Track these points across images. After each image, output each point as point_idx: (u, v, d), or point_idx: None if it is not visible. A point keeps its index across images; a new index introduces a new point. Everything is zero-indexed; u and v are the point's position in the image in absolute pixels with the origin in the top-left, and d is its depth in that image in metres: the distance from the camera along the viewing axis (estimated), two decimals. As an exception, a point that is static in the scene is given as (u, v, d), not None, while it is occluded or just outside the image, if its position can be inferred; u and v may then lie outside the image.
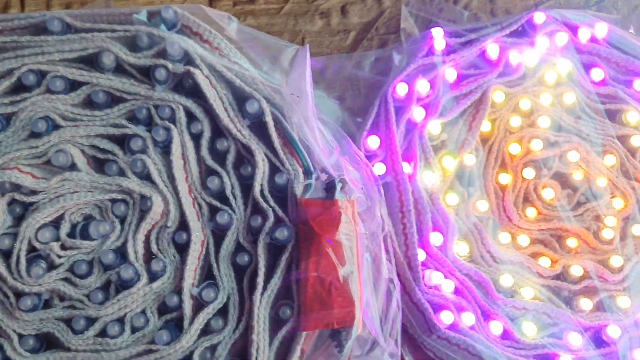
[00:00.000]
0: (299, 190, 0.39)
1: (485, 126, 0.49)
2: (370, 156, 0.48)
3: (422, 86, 0.49)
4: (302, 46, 0.44)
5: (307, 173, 0.40)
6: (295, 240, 0.39)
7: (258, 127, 0.41)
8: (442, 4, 0.64)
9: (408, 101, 0.49)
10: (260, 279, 0.38)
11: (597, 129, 0.50)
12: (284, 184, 0.40)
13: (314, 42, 0.61)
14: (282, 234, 0.38)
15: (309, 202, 0.38)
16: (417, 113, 0.48)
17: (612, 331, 0.44)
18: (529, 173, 0.48)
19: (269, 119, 0.40)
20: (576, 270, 0.46)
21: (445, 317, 0.43)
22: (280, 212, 0.39)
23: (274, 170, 0.40)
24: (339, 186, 0.39)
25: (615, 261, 0.46)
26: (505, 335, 0.44)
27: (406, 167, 0.47)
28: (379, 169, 0.47)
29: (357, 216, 0.40)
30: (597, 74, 0.51)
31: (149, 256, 0.39)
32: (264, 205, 0.39)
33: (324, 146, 0.41)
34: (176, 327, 0.37)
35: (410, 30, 0.59)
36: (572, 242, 0.47)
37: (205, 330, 0.38)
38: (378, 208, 0.41)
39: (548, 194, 0.48)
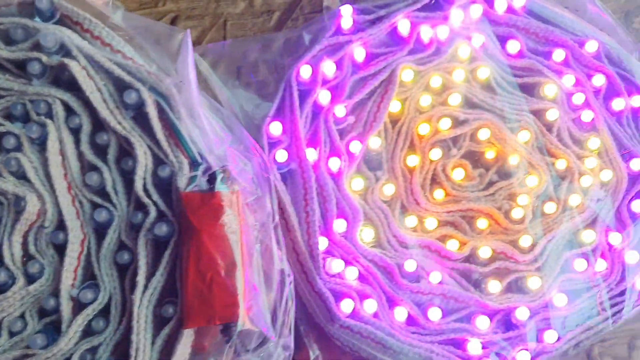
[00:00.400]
0: (182, 183, 0.38)
1: (395, 106, 0.48)
2: (275, 143, 0.46)
3: (328, 68, 0.47)
4: (184, 30, 0.42)
5: (194, 165, 0.39)
6: (179, 236, 0.38)
7: (143, 118, 0.39)
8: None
9: (313, 84, 0.47)
10: (140, 277, 0.37)
11: (512, 104, 0.48)
12: (168, 177, 0.38)
13: (236, 24, 0.59)
14: (160, 229, 0.37)
15: (188, 196, 0.37)
16: (322, 96, 0.47)
17: (521, 313, 0.44)
18: (435, 154, 0.46)
19: (150, 109, 0.38)
20: (484, 252, 0.45)
21: (345, 306, 0.42)
22: (163, 207, 0.38)
23: (158, 162, 0.39)
24: (219, 177, 0.37)
25: (525, 241, 0.45)
26: (410, 321, 0.44)
27: (311, 153, 0.46)
28: (281, 155, 0.45)
29: (242, 208, 0.39)
30: (513, 46, 0.49)
31: (28, 258, 0.38)
32: (146, 200, 0.38)
33: (213, 136, 0.40)
34: (55, 330, 0.37)
35: (334, 8, 0.57)
36: (482, 223, 0.46)
37: (87, 332, 0.37)
38: (268, 198, 0.40)
39: (458, 174, 0.47)
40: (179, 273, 0.37)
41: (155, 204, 0.38)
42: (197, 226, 0.36)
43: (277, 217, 0.40)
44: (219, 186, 0.37)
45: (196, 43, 0.58)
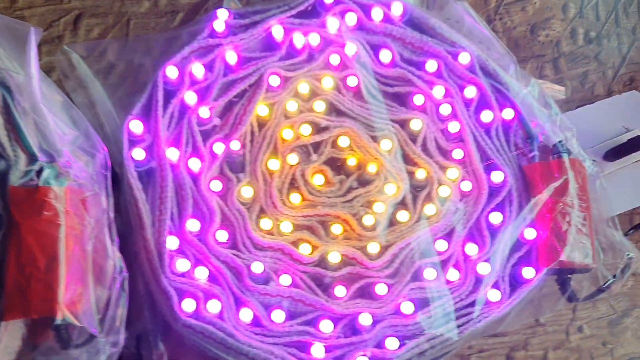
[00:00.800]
0: (15, 176, 0.39)
1: (263, 111, 0.48)
2: (137, 141, 0.47)
3: (197, 70, 0.48)
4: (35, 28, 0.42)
5: (32, 160, 0.40)
6: (7, 229, 0.38)
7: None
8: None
9: (181, 85, 0.48)
10: (-36, 268, 0.37)
11: (379, 112, 0.49)
12: (3, 170, 0.39)
13: (139, 23, 0.60)
14: (-17, 222, 0.38)
15: (14, 189, 0.38)
16: (188, 97, 0.47)
17: (364, 319, 0.44)
18: (292, 159, 0.47)
19: (-11, 104, 0.39)
20: (334, 257, 0.45)
21: (187, 305, 0.43)
22: (-7, 200, 0.39)
23: (-3, 156, 0.40)
24: (46, 172, 0.38)
25: (372, 248, 0.45)
26: (256, 322, 0.44)
27: (173, 153, 0.46)
28: (139, 154, 0.46)
29: (76, 203, 0.39)
30: (386, 55, 0.50)
31: None
32: (-22, 192, 0.39)
33: (55, 132, 0.41)
34: None
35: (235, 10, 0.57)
36: (337, 229, 0.46)
37: None
38: (104, 195, 0.41)
39: (319, 179, 0.47)
40: (5, 266, 0.38)
41: (-14, 196, 0.39)
42: (19, 220, 0.37)
43: (112, 214, 0.41)
44: (48, 181, 0.38)
45: (99, 37, 0.59)
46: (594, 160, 0.57)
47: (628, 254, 0.49)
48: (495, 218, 0.47)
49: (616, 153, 0.57)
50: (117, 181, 0.47)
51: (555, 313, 0.60)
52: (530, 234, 0.47)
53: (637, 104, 0.62)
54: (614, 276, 0.49)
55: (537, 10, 0.66)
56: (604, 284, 0.49)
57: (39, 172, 0.38)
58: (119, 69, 0.52)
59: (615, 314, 0.60)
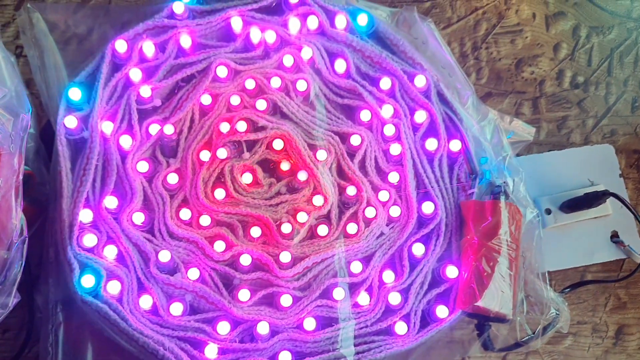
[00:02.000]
0: None
1: (206, 100, 0.47)
2: (75, 109, 0.46)
3: (147, 48, 0.47)
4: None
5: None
6: None
7: None
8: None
9: (129, 61, 0.47)
10: None
11: (322, 121, 0.48)
12: None
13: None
14: None
15: None
16: (133, 73, 0.47)
17: (262, 328, 0.43)
18: (222, 153, 0.46)
19: None
20: (245, 260, 0.44)
21: (87, 281, 0.43)
22: None
23: None
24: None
25: (284, 257, 0.44)
26: (154, 311, 0.44)
27: (108, 127, 0.46)
28: (71, 121, 0.45)
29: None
30: (341, 65, 0.49)
31: None
32: None
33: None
34: None
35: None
36: (255, 231, 0.45)
37: None
38: (17, 157, 0.40)
39: (247, 178, 0.46)
40: None
41: None
42: None
43: (21, 177, 0.41)
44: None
45: (82, 5, 0.59)
46: (547, 210, 0.55)
47: (552, 312, 0.47)
48: (419, 250, 0.46)
49: (572, 205, 0.54)
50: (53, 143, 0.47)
51: (484, 358, 0.58)
52: (452, 272, 0.45)
53: (609, 158, 0.59)
54: (534, 333, 0.47)
55: (526, 44, 0.64)
56: (522, 339, 0.47)
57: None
58: (78, 34, 0.52)
59: (548, 371, 0.57)
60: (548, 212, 0.55)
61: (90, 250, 0.44)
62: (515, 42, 0.64)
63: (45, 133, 0.49)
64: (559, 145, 0.61)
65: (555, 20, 0.65)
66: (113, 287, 0.43)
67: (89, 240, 0.43)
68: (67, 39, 0.51)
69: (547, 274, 0.48)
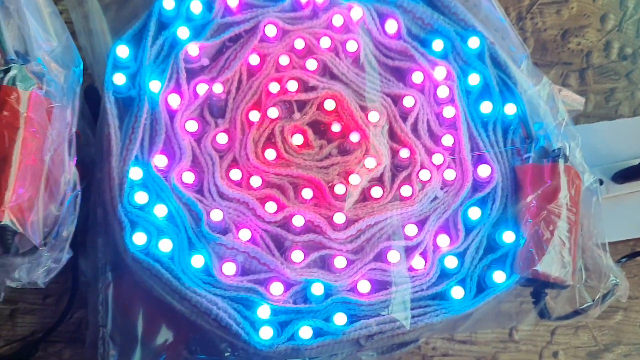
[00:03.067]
0: (-15, 75, 0.38)
1: (254, 60, 0.46)
2: (122, 67, 0.46)
3: (195, 6, 0.46)
4: None
5: (8, 62, 0.39)
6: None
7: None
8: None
9: (176, 19, 0.47)
10: None
11: (373, 83, 0.47)
12: (-22, 68, 0.39)
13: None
14: (-56, 112, 0.37)
15: (-22, 86, 0.37)
16: (181, 32, 0.46)
17: (316, 289, 0.42)
18: (273, 113, 0.45)
19: (-28, 1, 0.39)
20: (297, 221, 0.43)
21: (138, 238, 0.42)
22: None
23: (-26, 54, 0.39)
24: (12, 72, 0.37)
25: (338, 218, 0.43)
26: (206, 271, 0.43)
27: (155, 85, 0.45)
28: (119, 79, 0.45)
29: (40, 111, 0.38)
30: (392, 26, 0.47)
31: None
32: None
33: (35, 38, 0.40)
34: None
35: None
36: (307, 193, 0.44)
37: None
38: (70, 110, 0.40)
39: (297, 139, 0.45)
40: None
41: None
42: (-27, 114, 0.36)
43: (74, 130, 0.40)
44: (13, 81, 0.37)
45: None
46: (600, 180, 0.53)
47: (613, 280, 0.45)
48: (474, 213, 0.44)
49: (626, 176, 0.53)
50: (99, 104, 0.46)
51: (532, 332, 0.57)
52: (509, 237, 0.44)
53: (660, 129, 0.57)
54: (594, 300, 0.45)
55: (572, 15, 0.62)
56: (581, 307, 0.46)
57: (7, 72, 0.38)
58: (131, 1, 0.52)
59: (597, 347, 0.56)
60: (600, 182, 0.53)
61: (140, 208, 0.43)
62: (560, 13, 0.62)
63: (89, 94, 0.48)
64: (607, 118, 0.60)
65: (602, -10, 0.63)
66: (164, 246, 0.42)
67: (140, 197, 0.43)
68: (109, 3, 0.51)
69: (606, 243, 0.46)
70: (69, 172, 0.39)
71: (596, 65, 0.61)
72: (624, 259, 0.52)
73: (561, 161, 0.44)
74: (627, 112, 0.60)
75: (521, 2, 0.62)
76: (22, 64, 0.38)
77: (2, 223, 0.36)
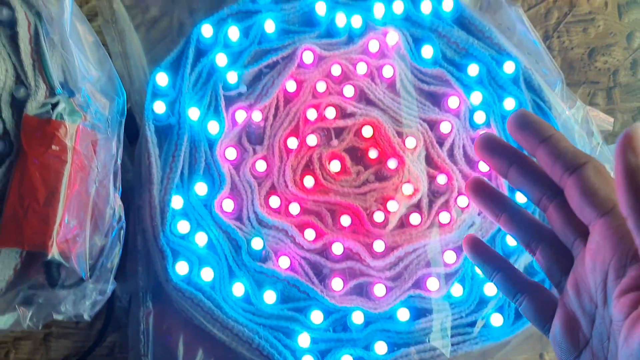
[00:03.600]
0: (32, 106, 0.38)
1: (291, 86, 0.47)
2: (161, 94, 0.46)
3: (232, 33, 0.47)
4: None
5: (52, 93, 0.39)
6: (16, 156, 0.38)
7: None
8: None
9: (214, 46, 0.47)
10: (-33, 189, 0.37)
11: (410, 109, 0.47)
12: (23, 98, 0.39)
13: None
14: (-8, 146, 0.37)
15: (27, 119, 0.37)
16: (219, 59, 0.46)
17: (357, 317, 0.42)
18: (312, 140, 0.45)
19: (20, 29, 0.39)
20: (337, 248, 0.44)
21: (181, 268, 0.42)
22: (10, 126, 0.38)
23: (19, 83, 0.39)
24: (61, 107, 0.37)
25: (378, 246, 0.43)
26: (246, 299, 0.43)
27: (194, 113, 0.45)
28: (159, 107, 0.45)
29: (86, 143, 0.39)
30: (428, 51, 0.48)
31: None
32: (-7, 116, 0.38)
33: (79, 69, 0.40)
34: None
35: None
36: (345, 220, 0.44)
37: None
38: (115, 141, 0.40)
39: (335, 166, 0.45)
40: (7, 193, 0.38)
41: (3, 121, 0.38)
42: (26, 149, 0.37)
43: (119, 161, 0.40)
44: (61, 115, 0.37)
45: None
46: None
47: None
48: (512, 240, 0.45)
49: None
50: (138, 134, 0.46)
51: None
52: (547, 262, 0.44)
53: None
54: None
55: (599, 33, 0.63)
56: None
57: (55, 106, 0.38)
58: (160, 24, 0.52)
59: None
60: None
61: (182, 237, 0.43)
62: (587, 31, 0.62)
63: (126, 120, 0.49)
64: (635, 137, 0.60)
65: (628, 8, 0.63)
66: (206, 275, 0.42)
67: (182, 226, 0.43)
68: (146, 27, 0.51)
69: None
70: (115, 205, 0.40)
71: (623, 83, 0.61)
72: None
73: (599, 187, 0.44)
74: (655, 131, 0.60)
75: (548, 21, 0.62)
76: (68, 97, 0.38)
77: (49, 258, 0.37)
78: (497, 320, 0.43)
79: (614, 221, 0.28)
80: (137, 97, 0.47)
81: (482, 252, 0.36)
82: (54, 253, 0.37)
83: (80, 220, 0.39)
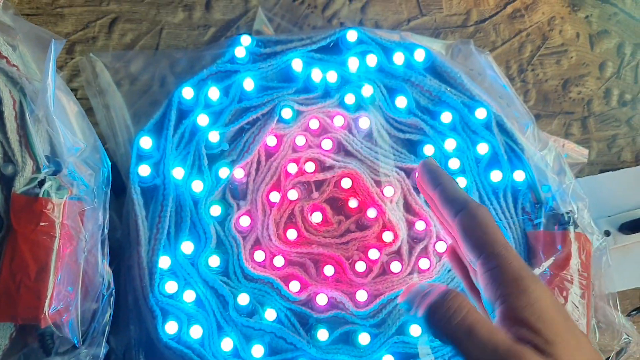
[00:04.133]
0: (19, 183, 0.40)
1: (272, 141, 0.48)
2: (146, 156, 0.48)
3: (213, 93, 0.48)
4: (62, 41, 0.44)
5: (38, 168, 0.41)
6: (6, 234, 0.40)
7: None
8: (309, 10, 0.62)
9: (195, 106, 0.48)
10: (-43, 267, 0.39)
11: (387, 157, 0.49)
12: (11, 175, 0.40)
13: (172, 33, 0.61)
14: (-18, 225, 0.39)
15: (15, 197, 0.39)
16: (201, 119, 0.48)
17: (343, 366, 0.44)
18: (292, 195, 0.47)
19: (5, 108, 0.41)
20: (321, 299, 0.45)
21: (170, 327, 0.44)
22: (-1, 204, 0.40)
23: (7, 160, 0.41)
24: (48, 184, 0.39)
25: (361, 296, 0.45)
26: (235, 353, 0.44)
27: (179, 173, 0.47)
28: (144, 170, 0.46)
29: (73, 216, 0.40)
30: (402, 101, 0.49)
31: None
32: (-17, 194, 0.40)
33: (64, 143, 0.42)
34: None
35: (264, 34, 0.58)
36: (329, 270, 0.46)
37: None
38: (102, 211, 0.41)
39: (317, 217, 0.47)
40: (-1, 269, 0.39)
41: (-10, 199, 0.40)
42: (16, 228, 0.38)
43: (106, 231, 0.42)
44: (48, 193, 0.39)
45: (131, 46, 0.60)
46: (607, 231, 0.55)
47: (626, 338, 0.47)
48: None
49: (632, 227, 0.55)
50: (124, 189, 0.48)
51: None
52: (525, 302, 0.46)
53: (664, 176, 0.59)
54: (608, 359, 0.47)
55: (572, 65, 0.64)
56: (597, 364, 0.47)
57: (42, 183, 0.39)
58: (142, 80, 0.54)
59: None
60: (607, 233, 0.55)
61: (170, 296, 0.45)
62: (560, 63, 0.64)
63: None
64: (610, 164, 0.62)
65: (599, 39, 0.65)
66: (195, 332, 0.44)
67: (170, 287, 0.44)
68: (129, 85, 0.53)
69: (617, 301, 0.48)
70: (103, 272, 0.41)
71: (597, 112, 0.63)
72: (635, 312, 0.53)
73: (571, 228, 0.46)
74: (630, 157, 0.62)
75: (522, 55, 0.64)
76: (54, 172, 0.40)
77: (42, 329, 0.38)
78: (478, 362, 0.45)
79: (484, 266, 0.31)
80: (122, 153, 0.49)
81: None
82: (46, 325, 0.38)
83: (71, 289, 0.40)
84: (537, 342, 0.29)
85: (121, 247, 0.48)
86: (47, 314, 0.38)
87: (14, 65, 0.43)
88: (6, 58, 0.43)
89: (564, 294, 0.45)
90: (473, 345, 0.29)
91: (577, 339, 0.29)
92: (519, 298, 0.29)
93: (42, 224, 0.38)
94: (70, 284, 0.40)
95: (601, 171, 0.61)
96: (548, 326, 0.29)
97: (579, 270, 0.45)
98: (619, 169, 0.61)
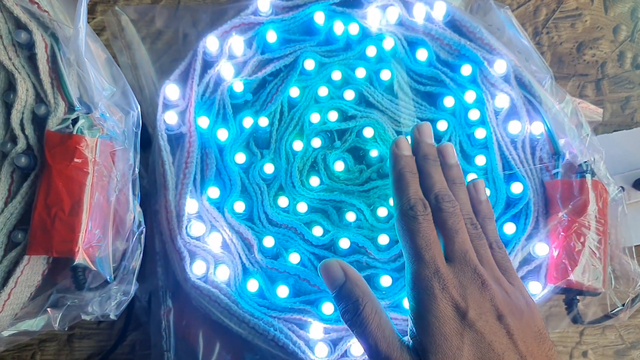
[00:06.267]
0: (52, 122, 0.41)
1: (294, 92, 0.49)
2: (171, 105, 0.48)
3: (236, 45, 0.49)
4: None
5: (71, 109, 0.42)
6: (40, 170, 0.41)
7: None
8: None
9: (219, 57, 0.49)
10: (-1, 202, 0.40)
11: (407, 109, 0.49)
12: (44, 115, 0.41)
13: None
14: (19, 161, 0.40)
15: (50, 134, 0.40)
16: (225, 70, 0.49)
17: (365, 307, 0.45)
18: (316, 142, 0.48)
19: (38, 51, 0.42)
20: (344, 243, 0.46)
21: (197, 268, 0.45)
22: (33, 142, 0.41)
23: (39, 101, 0.42)
24: (81, 122, 0.40)
25: (382, 239, 0.46)
26: (260, 294, 0.46)
27: (204, 121, 0.48)
28: (171, 118, 0.47)
29: (105, 155, 0.41)
30: (422, 54, 0.50)
31: None
32: (18, 132, 0.41)
33: (95, 85, 0.43)
34: None
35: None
36: (350, 216, 0.47)
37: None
38: (132, 152, 0.42)
39: (339, 166, 0.48)
40: (34, 204, 0.40)
41: (26, 137, 0.41)
42: (50, 163, 0.39)
43: (137, 170, 0.43)
44: (81, 130, 0.40)
45: (153, 2, 0.61)
46: (621, 187, 0.56)
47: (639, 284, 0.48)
48: (509, 229, 0.47)
49: (646, 182, 0.56)
50: (149, 141, 0.49)
51: (562, 333, 0.59)
52: (542, 249, 0.47)
53: (677, 135, 0.60)
54: (623, 304, 0.48)
55: (586, 28, 0.65)
56: (612, 311, 0.48)
57: (75, 121, 0.40)
58: (165, 35, 0.54)
59: (624, 345, 0.59)
60: (621, 190, 0.56)
61: (197, 238, 0.46)
62: (575, 26, 0.65)
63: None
64: (624, 125, 0.63)
65: (613, 3, 0.66)
66: (222, 273, 0.45)
67: (197, 229, 0.45)
68: (153, 40, 0.54)
69: (633, 249, 0.49)
70: (134, 211, 0.42)
71: (611, 75, 0.64)
72: (649, 263, 0.55)
73: (588, 176, 0.47)
74: (643, 119, 0.63)
75: (537, 18, 0.64)
76: (86, 113, 0.41)
77: (75, 263, 0.39)
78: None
79: None
80: (148, 106, 0.50)
81: None
82: (80, 259, 0.39)
83: (103, 227, 0.41)
84: None
85: (148, 194, 0.49)
86: (81, 247, 0.39)
87: (45, 11, 0.44)
88: (37, 4, 0.44)
89: (582, 239, 0.46)
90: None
91: None
92: None
93: (75, 160, 0.39)
94: (102, 221, 0.41)
95: (615, 131, 0.62)
96: None
97: (596, 217, 0.46)
98: (632, 129, 0.62)
